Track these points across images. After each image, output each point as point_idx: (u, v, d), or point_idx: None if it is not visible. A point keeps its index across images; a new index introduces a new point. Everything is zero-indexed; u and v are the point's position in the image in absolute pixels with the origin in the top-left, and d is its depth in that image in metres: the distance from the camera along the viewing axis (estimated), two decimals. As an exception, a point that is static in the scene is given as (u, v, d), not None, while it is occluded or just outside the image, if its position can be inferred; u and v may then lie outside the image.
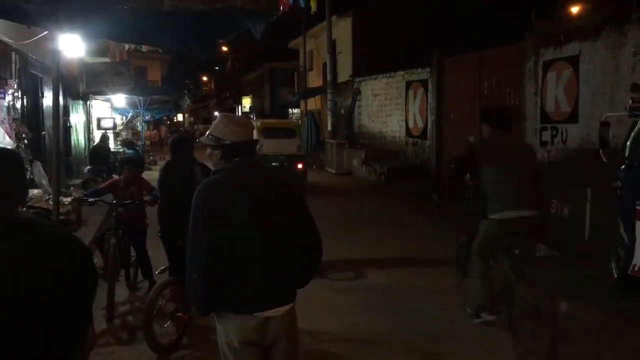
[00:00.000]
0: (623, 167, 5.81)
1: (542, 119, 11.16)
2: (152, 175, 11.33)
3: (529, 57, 11.48)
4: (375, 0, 21.72)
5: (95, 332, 3.16)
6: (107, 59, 17.95)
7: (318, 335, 5.04)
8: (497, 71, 13.02)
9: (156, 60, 36.83)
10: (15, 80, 10.07)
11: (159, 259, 5.84)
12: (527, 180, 4.82)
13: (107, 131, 18.93)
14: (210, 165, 3.07)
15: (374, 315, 5.58)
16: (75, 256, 0.74)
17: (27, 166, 8.76)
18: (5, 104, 9.19)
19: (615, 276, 6.03)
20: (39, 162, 9.77)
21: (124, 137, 21.26)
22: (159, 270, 5.70)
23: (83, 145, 17.98)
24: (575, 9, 17.92)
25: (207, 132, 2.86)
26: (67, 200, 8.99)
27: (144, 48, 29.23)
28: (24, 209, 5.29)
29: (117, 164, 13.00)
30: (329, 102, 21.77)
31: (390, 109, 18.79)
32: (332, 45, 21.64)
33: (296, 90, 31.05)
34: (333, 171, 19.22)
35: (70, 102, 15.71)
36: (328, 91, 21.70)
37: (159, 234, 5.36)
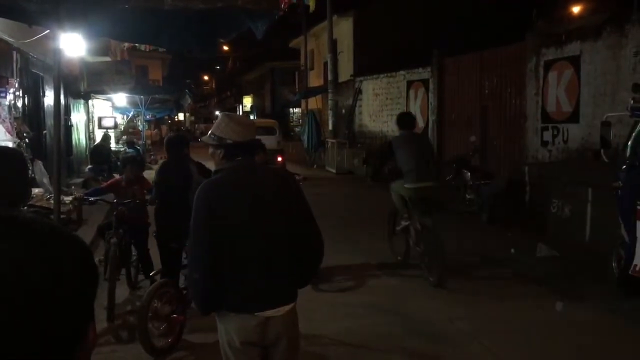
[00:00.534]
0: (624, 167, 5.80)
1: (543, 119, 11.14)
2: (152, 174, 11.30)
3: (530, 57, 11.46)
4: (376, 0, 21.71)
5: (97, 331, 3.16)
6: (108, 58, 17.96)
7: (318, 336, 5.03)
8: (498, 71, 13.01)
9: (157, 59, 36.84)
10: (16, 79, 10.08)
11: (159, 258, 5.83)
12: (426, 160, 6.68)
13: (108, 130, 18.93)
14: (208, 164, 3.07)
15: (375, 317, 5.57)
16: (75, 256, 0.74)
17: (28, 165, 8.76)
18: (7, 102, 9.20)
19: (616, 276, 6.03)
20: (40, 161, 9.77)
21: (128, 138, 21.24)
22: (152, 273, 5.67)
23: (84, 145, 18.00)
24: (576, 9, 17.91)
25: (209, 132, 2.86)
26: (67, 199, 9.00)
27: (144, 47, 29.19)
28: (25, 208, 5.28)
29: (118, 163, 13.01)
30: (329, 102, 21.75)
31: (391, 108, 18.75)
32: (333, 44, 21.62)
33: (297, 90, 31.10)
34: (333, 171, 19.20)
35: (71, 101, 15.72)
36: (329, 91, 21.68)
37: (155, 234, 5.35)
